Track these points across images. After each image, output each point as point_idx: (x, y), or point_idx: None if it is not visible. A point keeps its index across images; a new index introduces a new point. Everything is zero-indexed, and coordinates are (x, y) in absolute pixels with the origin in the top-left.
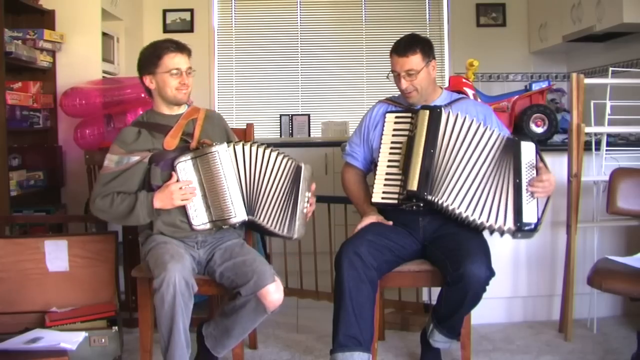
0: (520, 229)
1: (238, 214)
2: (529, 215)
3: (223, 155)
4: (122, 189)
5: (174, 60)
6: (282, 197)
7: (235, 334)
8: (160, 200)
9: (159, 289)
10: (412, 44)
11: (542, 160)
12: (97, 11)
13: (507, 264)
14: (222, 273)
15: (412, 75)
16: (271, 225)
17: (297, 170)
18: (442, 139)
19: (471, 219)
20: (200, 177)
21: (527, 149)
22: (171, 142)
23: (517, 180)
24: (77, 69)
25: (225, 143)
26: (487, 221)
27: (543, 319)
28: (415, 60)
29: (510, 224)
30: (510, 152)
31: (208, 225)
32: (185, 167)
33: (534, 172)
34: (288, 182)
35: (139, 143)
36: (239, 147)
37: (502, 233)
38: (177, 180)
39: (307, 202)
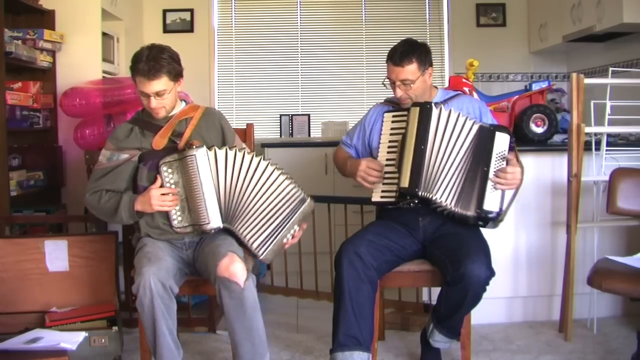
0: (480, 217)
1: (212, 220)
2: (490, 204)
3: (201, 159)
4: (111, 187)
5: (140, 84)
6: (270, 216)
7: (241, 340)
8: (141, 204)
9: (137, 294)
10: (408, 53)
11: (515, 154)
12: (97, 11)
13: (507, 264)
14: (199, 268)
15: (408, 84)
16: (245, 236)
17: (301, 201)
18: (434, 134)
19: (444, 204)
20: (182, 179)
21: (501, 140)
22: (160, 141)
23: (485, 168)
24: (77, 69)
25: (205, 147)
26: (453, 206)
27: (543, 319)
28: (410, 70)
29: (472, 210)
30: (483, 139)
31: (188, 229)
32: (168, 168)
33: (504, 163)
34: (285, 206)
35: (129, 141)
36: (221, 152)
37: (465, 219)
38: (161, 185)
39: (292, 235)
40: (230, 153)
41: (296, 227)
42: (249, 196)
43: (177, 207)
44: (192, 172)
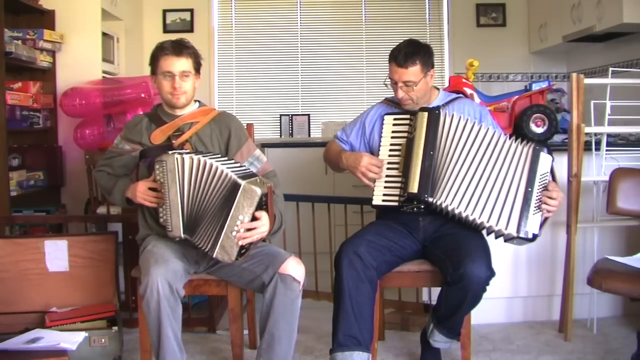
0: (519, 237)
1: (174, 228)
2: (532, 225)
3: (170, 164)
4: (111, 172)
5: (166, 63)
6: (212, 212)
7: (283, 336)
8: (131, 192)
9: (144, 295)
10: (412, 54)
11: (553, 174)
12: (97, 11)
13: (507, 264)
14: (232, 263)
15: (410, 86)
16: (202, 246)
17: (233, 188)
18: (442, 140)
19: (471, 218)
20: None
21: (545, 161)
22: (159, 136)
23: (529, 189)
24: (77, 69)
25: (177, 152)
26: (488, 222)
27: (543, 319)
28: (414, 72)
29: (512, 229)
30: (526, 158)
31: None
32: (159, 167)
33: (546, 186)
34: (220, 197)
35: (135, 132)
36: (187, 158)
37: (500, 236)
38: (154, 180)
39: (239, 226)
40: (195, 158)
41: (241, 217)
42: (205, 203)
43: (163, 207)
44: (162, 175)
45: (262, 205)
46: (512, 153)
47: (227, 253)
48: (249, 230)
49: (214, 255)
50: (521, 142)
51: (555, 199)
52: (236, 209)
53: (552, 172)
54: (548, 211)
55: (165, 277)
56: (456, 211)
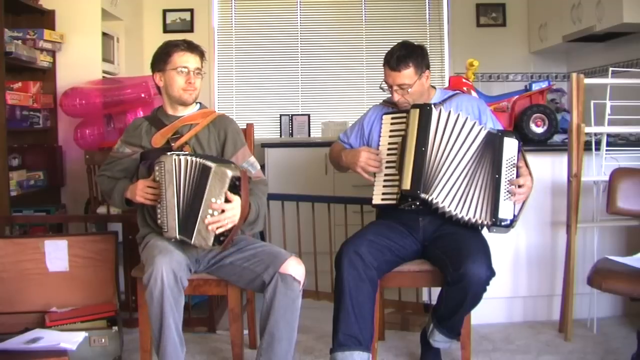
0: (495, 224)
1: (170, 229)
2: (505, 212)
3: (168, 165)
4: (111, 175)
5: (182, 58)
6: (187, 199)
7: (283, 336)
8: (130, 192)
9: (147, 284)
10: (404, 57)
11: (524, 158)
12: (97, 11)
13: (507, 264)
14: (232, 262)
15: (405, 89)
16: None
17: (205, 171)
18: (434, 136)
19: (453, 213)
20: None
21: (510, 145)
22: (159, 139)
23: (497, 175)
24: (77, 69)
25: (175, 153)
26: (467, 215)
27: (543, 319)
28: (407, 75)
29: (487, 218)
30: (492, 145)
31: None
32: (159, 168)
33: (514, 170)
34: (193, 182)
35: (134, 136)
36: (183, 159)
37: (480, 226)
38: (153, 180)
39: (212, 212)
40: (189, 159)
41: (214, 200)
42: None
43: (161, 207)
44: (160, 176)
45: (235, 188)
46: (484, 142)
47: (204, 239)
48: (220, 213)
49: (192, 242)
50: (488, 132)
51: (523, 186)
52: (209, 192)
53: (523, 155)
54: (517, 197)
55: (170, 266)
56: (446, 209)
